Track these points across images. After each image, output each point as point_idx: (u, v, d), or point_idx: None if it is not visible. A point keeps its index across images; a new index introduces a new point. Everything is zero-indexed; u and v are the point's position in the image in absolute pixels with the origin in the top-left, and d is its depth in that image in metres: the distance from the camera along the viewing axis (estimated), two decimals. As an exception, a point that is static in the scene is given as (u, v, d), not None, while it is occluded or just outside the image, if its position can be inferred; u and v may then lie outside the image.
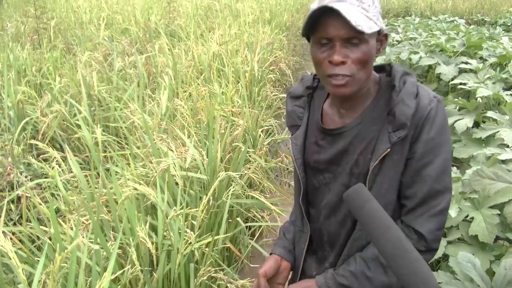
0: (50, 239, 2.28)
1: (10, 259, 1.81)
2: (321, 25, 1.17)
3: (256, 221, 3.28)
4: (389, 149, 1.21)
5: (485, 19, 14.37)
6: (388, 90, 1.29)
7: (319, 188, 1.42)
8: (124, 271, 2.14)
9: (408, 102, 1.20)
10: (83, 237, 2.40)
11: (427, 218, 1.24)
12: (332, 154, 1.35)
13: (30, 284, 1.93)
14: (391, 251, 0.98)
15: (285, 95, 5.76)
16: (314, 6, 1.18)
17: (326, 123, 1.39)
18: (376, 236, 1.00)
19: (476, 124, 3.60)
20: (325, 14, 1.15)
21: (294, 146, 1.42)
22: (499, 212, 2.35)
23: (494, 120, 3.30)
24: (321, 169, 1.39)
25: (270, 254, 1.54)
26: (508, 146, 2.93)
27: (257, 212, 3.31)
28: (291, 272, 1.55)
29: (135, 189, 2.39)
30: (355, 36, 1.15)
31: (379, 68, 1.38)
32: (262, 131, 4.38)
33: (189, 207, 2.69)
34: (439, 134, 1.21)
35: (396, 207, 1.30)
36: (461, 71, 4.87)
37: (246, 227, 3.23)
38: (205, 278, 2.34)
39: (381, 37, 1.23)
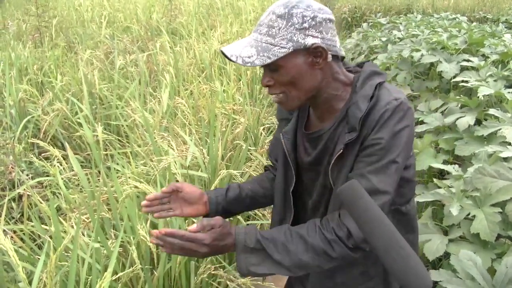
0: (51, 237, 2.28)
1: (11, 257, 1.81)
2: None
3: (257, 219, 3.27)
4: (341, 150, 1.25)
5: (487, 16, 14.32)
6: None
7: (305, 184, 1.47)
8: (124, 269, 2.14)
9: (360, 105, 1.22)
10: (84, 235, 2.40)
11: None
12: (314, 156, 1.38)
13: (30, 282, 1.93)
14: (384, 247, 0.98)
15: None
16: None
17: (310, 127, 1.43)
18: (369, 232, 1.00)
19: (478, 122, 3.58)
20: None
21: (287, 140, 1.44)
22: (501, 210, 2.34)
23: (496, 117, 3.28)
24: (306, 168, 1.44)
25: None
26: (510, 144, 2.91)
27: (258, 210, 3.30)
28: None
29: (136, 187, 2.39)
30: (269, 64, 1.21)
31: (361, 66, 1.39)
32: (263, 129, 4.37)
33: (190, 205, 2.69)
34: (389, 136, 1.19)
35: None
36: (463, 68, 4.85)
37: (247, 225, 3.23)
38: (205, 276, 2.34)
39: (311, 50, 1.23)
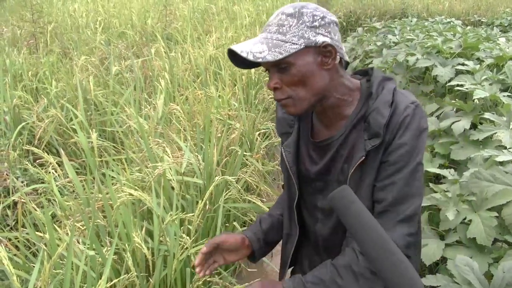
0: (46, 245, 2.26)
1: (5, 265, 1.80)
2: None
3: (253, 225, 3.26)
4: (363, 157, 1.22)
5: (482, 20, 14.38)
6: (369, 97, 1.29)
7: (312, 194, 1.44)
8: (120, 276, 2.13)
9: (383, 111, 1.21)
10: (78, 242, 2.39)
11: (396, 223, 1.22)
12: (322, 165, 1.36)
13: (25, 291, 1.92)
14: (376, 253, 0.97)
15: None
16: None
17: (315, 135, 1.40)
18: (361, 238, 0.99)
19: (473, 126, 3.58)
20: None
21: (288, 153, 1.42)
22: (497, 214, 2.34)
23: (492, 121, 3.29)
24: (312, 178, 1.40)
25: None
26: (505, 148, 2.91)
27: (254, 216, 3.29)
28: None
29: (131, 194, 2.38)
30: (280, 62, 1.19)
31: (364, 73, 1.39)
32: (259, 134, 4.37)
33: (185, 212, 2.68)
34: (412, 139, 1.20)
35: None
36: (458, 72, 4.86)
37: (243, 231, 3.21)
38: (200, 282, 2.32)
39: (321, 49, 1.22)
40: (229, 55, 1.24)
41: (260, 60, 1.15)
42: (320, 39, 1.20)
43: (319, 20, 1.21)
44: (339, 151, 1.31)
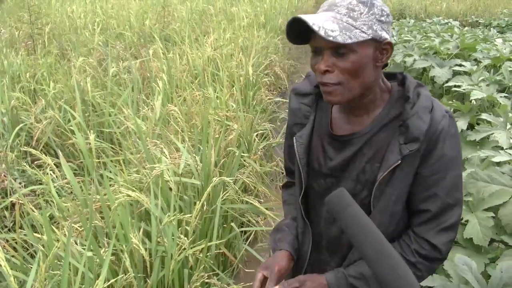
0: (44, 246, 2.27)
1: (2, 267, 1.80)
2: (311, 34, 1.19)
3: (251, 226, 3.27)
4: (399, 161, 1.22)
5: (479, 21, 14.42)
6: (400, 100, 1.29)
7: (318, 192, 1.41)
8: (117, 277, 2.13)
9: (423, 117, 1.20)
10: (76, 243, 2.39)
11: (440, 231, 1.26)
12: (339, 160, 1.33)
13: (22, 292, 1.92)
14: (373, 256, 0.97)
15: (280, 99, 5.78)
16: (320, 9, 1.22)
17: (334, 129, 1.37)
18: (358, 241, 1.00)
19: (471, 127, 3.60)
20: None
21: (300, 145, 1.39)
22: (493, 215, 2.35)
23: (488, 122, 3.30)
24: (324, 173, 1.38)
25: (280, 249, 1.45)
26: (502, 148, 2.93)
27: (251, 217, 3.29)
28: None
29: (129, 195, 2.38)
30: (340, 46, 1.15)
31: (391, 75, 1.37)
32: (257, 135, 4.37)
33: (182, 213, 2.68)
34: (451, 149, 1.22)
35: (402, 217, 1.31)
36: (455, 73, 4.88)
37: (241, 232, 3.22)
38: (198, 284, 2.33)
39: (382, 45, 1.21)
40: (289, 24, 1.17)
41: (330, 38, 1.10)
42: (384, 35, 1.20)
43: (386, 16, 1.21)
44: (363, 149, 1.30)
